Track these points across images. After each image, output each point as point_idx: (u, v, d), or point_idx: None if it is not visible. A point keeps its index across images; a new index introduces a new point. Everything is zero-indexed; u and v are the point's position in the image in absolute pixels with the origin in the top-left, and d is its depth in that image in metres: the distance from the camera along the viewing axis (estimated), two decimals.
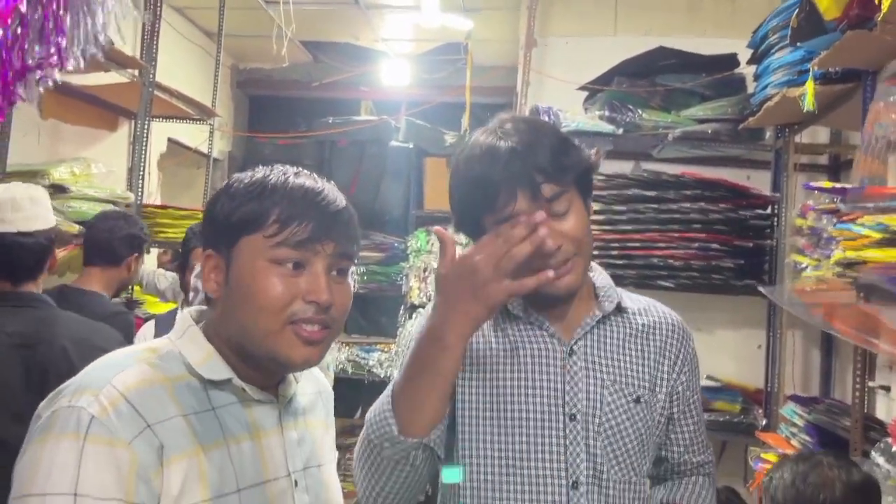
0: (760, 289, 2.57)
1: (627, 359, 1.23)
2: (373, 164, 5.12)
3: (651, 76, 3.24)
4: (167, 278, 3.25)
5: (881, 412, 2.61)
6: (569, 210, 1.15)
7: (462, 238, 1.28)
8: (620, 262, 2.99)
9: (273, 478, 0.97)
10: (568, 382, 1.19)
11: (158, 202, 4.06)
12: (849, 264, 1.87)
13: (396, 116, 5.16)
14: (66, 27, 1.88)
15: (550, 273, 1.05)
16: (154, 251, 3.85)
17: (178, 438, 0.88)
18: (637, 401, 1.20)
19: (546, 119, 3.19)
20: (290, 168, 0.99)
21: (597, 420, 1.18)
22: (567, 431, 1.17)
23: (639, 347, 1.24)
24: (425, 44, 4.84)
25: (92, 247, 2.53)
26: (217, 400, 0.95)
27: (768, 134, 3.21)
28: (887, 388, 2.61)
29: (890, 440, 1.89)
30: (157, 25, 3.35)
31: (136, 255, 2.54)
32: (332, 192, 0.98)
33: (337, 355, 4.77)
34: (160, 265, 3.91)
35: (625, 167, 3.39)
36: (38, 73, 1.85)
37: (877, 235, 1.75)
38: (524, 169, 1.11)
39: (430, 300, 4.39)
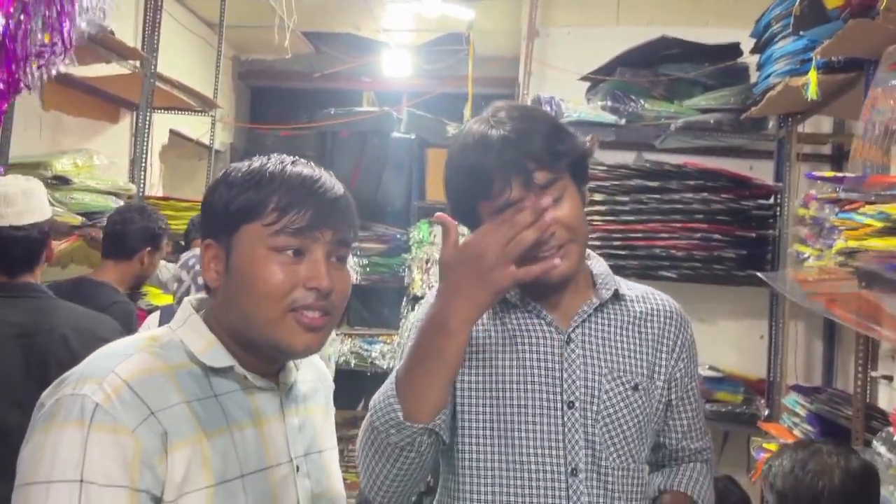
0: (760, 275, 2.57)
1: (625, 346, 1.23)
2: (374, 155, 5.12)
3: (653, 66, 3.23)
4: (169, 269, 3.26)
5: (883, 402, 2.62)
6: (562, 197, 1.15)
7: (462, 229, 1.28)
8: (623, 252, 2.99)
9: (275, 463, 0.98)
10: (566, 370, 1.19)
11: (160, 194, 4.07)
12: (851, 253, 1.87)
13: (398, 107, 5.15)
14: (68, 15, 1.88)
15: (557, 261, 1.05)
16: None
17: (181, 425, 0.88)
18: (635, 388, 1.21)
19: (548, 109, 3.18)
20: (286, 157, 1.00)
21: (595, 408, 1.18)
22: (565, 419, 1.17)
23: (636, 334, 1.24)
24: (427, 34, 4.83)
25: (106, 239, 2.57)
26: (219, 387, 0.95)
27: (771, 123, 3.20)
28: (889, 378, 2.61)
29: (891, 429, 1.89)
30: (158, 16, 3.34)
31: (150, 248, 2.54)
32: (330, 179, 0.99)
33: (339, 347, 4.78)
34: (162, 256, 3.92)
35: (627, 157, 3.38)
36: (41, 62, 1.85)
37: (878, 224, 1.74)
38: (517, 157, 1.12)
39: (430, 288, 4.38)
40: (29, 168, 2.66)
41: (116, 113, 3.70)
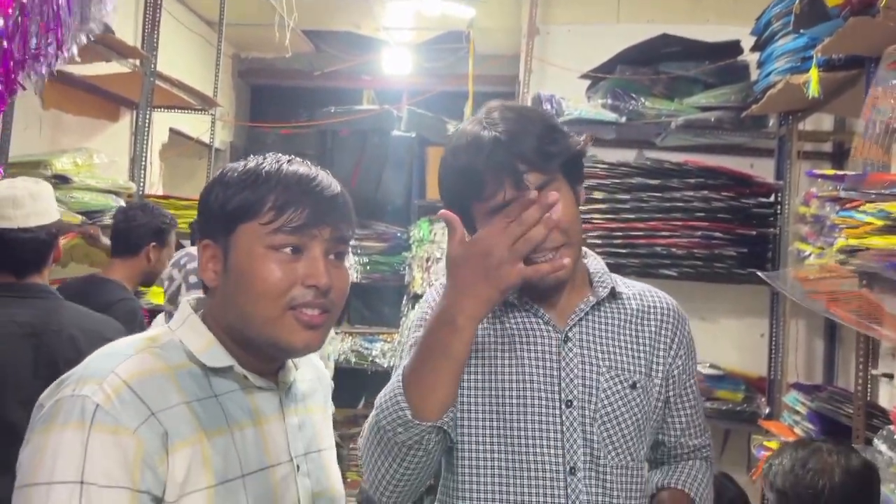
0: (761, 274, 2.57)
1: (623, 344, 1.23)
2: (375, 153, 5.11)
3: (654, 64, 3.23)
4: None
5: (884, 400, 2.62)
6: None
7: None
8: (623, 250, 2.99)
9: (276, 463, 0.98)
10: (563, 369, 1.19)
11: (160, 192, 4.07)
12: (851, 251, 1.87)
13: (398, 106, 5.15)
14: (66, 15, 1.88)
15: (567, 260, 1.05)
16: None
17: (181, 425, 0.88)
18: (633, 386, 1.21)
19: (548, 107, 3.18)
20: (282, 156, 1.00)
21: (593, 406, 1.18)
22: (564, 418, 1.17)
23: (634, 332, 1.24)
24: (427, 32, 4.82)
25: (113, 238, 2.63)
26: (219, 387, 0.95)
27: (771, 121, 3.19)
28: (890, 376, 2.61)
29: (892, 427, 1.89)
30: (158, 15, 3.34)
31: (155, 244, 2.58)
32: (326, 178, 0.99)
33: (339, 345, 4.78)
34: None
35: (628, 156, 3.38)
36: (39, 62, 1.85)
37: (879, 222, 1.74)
38: (507, 158, 1.12)
39: (430, 286, 4.38)
40: (29, 167, 2.66)
41: (116, 111, 3.70)
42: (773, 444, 2.49)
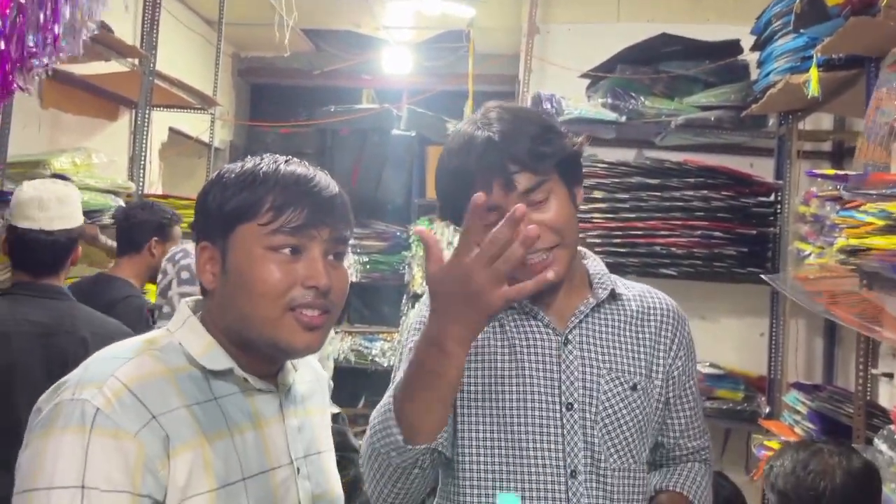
0: (764, 277, 2.57)
1: (623, 346, 1.22)
2: (374, 152, 5.11)
3: (654, 63, 3.23)
4: None
5: (884, 399, 2.62)
6: (548, 199, 1.14)
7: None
8: (623, 250, 2.98)
9: (276, 466, 0.98)
10: (564, 372, 1.18)
11: (160, 192, 4.06)
12: (852, 252, 1.86)
13: (398, 105, 5.14)
14: (63, 15, 1.87)
15: (550, 274, 0.99)
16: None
17: (182, 429, 0.88)
18: (634, 388, 1.20)
19: (548, 107, 3.18)
20: (280, 157, 0.99)
21: (593, 409, 1.18)
22: (564, 421, 1.17)
23: (634, 334, 1.24)
24: (426, 31, 4.82)
25: (117, 238, 2.68)
26: (219, 390, 0.95)
27: (771, 121, 3.19)
28: (890, 376, 2.61)
29: (893, 427, 1.89)
30: (157, 14, 3.33)
31: (157, 239, 2.61)
32: (325, 178, 0.99)
33: (339, 345, 4.78)
34: None
35: (627, 155, 3.38)
36: (36, 62, 1.85)
37: (880, 223, 1.74)
38: (498, 159, 1.11)
39: None
40: (27, 167, 2.66)
41: (115, 111, 3.69)
42: (774, 444, 2.49)
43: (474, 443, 1.18)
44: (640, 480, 1.21)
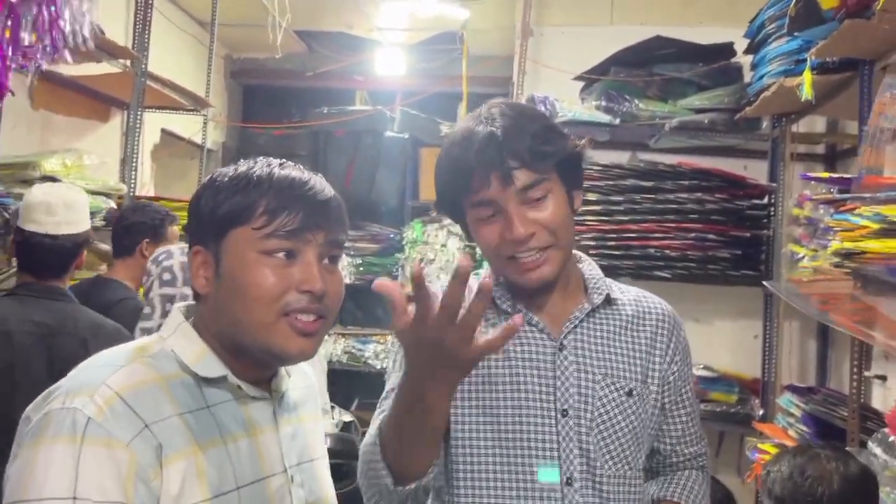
0: (767, 284, 2.56)
1: (618, 351, 1.21)
2: (368, 154, 5.10)
3: (648, 66, 3.23)
4: None
5: (877, 402, 2.62)
6: (546, 198, 1.14)
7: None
8: (617, 252, 2.98)
9: (270, 474, 0.97)
10: (559, 378, 1.17)
11: (152, 193, 4.04)
12: (847, 255, 1.86)
13: (392, 106, 5.13)
14: (57, 17, 1.86)
15: (518, 319, 0.90)
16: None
17: (175, 438, 0.87)
18: (629, 394, 1.19)
19: (542, 109, 3.17)
20: (273, 160, 0.98)
21: (589, 415, 1.17)
22: (559, 428, 1.16)
23: (629, 339, 1.23)
24: (420, 33, 4.81)
25: (112, 240, 2.71)
26: (212, 398, 0.94)
27: (765, 123, 3.20)
28: (883, 378, 2.61)
29: (887, 430, 1.89)
30: (149, 15, 3.31)
31: (148, 240, 2.62)
32: (319, 181, 0.98)
33: (332, 347, 4.76)
34: None
35: (621, 157, 3.38)
36: (27, 63, 1.84)
37: (875, 226, 1.74)
38: (498, 154, 1.11)
39: None
40: (17, 168, 2.63)
41: (107, 112, 3.67)
42: (767, 447, 2.49)
43: (469, 451, 1.16)
44: (637, 488, 1.20)
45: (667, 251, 2.97)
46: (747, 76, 3.06)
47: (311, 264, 0.94)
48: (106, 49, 2.85)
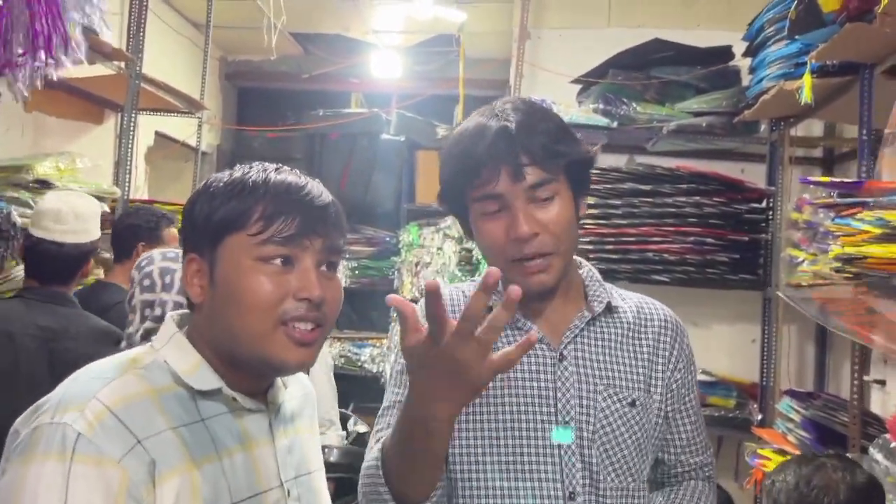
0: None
1: (620, 361, 1.19)
2: (363, 157, 5.09)
3: (646, 69, 3.21)
4: None
5: (876, 406, 2.61)
6: (553, 199, 1.12)
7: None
8: (615, 256, 2.96)
9: (266, 489, 0.94)
10: (559, 389, 1.15)
11: (146, 196, 4.01)
12: (848, 259, 1.85)
13: (387, 109, 5.12)
14: (55, 21, 1.84)
15: (533, 335, 0.86)
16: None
17: (169, 453, 0.84)
18: (632, 404, 1.16)
19: None
20: (269, 165, 0.96)
21: (591, 427, 1.14)
22: (561, 440, 1.13)
23: (631, 347, 1.20)
24: (416, 36, 4.80)
25: (111, 244, 2.74)
26: (206, 410, 0.91)
27: (763, 127, 3.19)
28: (882, 383, 2.60)
29: (888, 436, 1.87)
30: (143, 16, 3.28)
31: (143, 244, 2.62)
32: (317, 186, 0.95)
33: (328, 351, 4.74)
34: None
35: (619, 161, 3.36)
36: (28, 67, 1.83)
37: (877, 230, 1.73)
38: (510, 148, 1.09)
39: (422, 295, 4.37)
40: (10, 171, 2.61)
41: (101, 114, 3.64)
42: (767, 452, 2.47)
43: (468, 466, 1.14)
44: (641, 500, 1.17)
45: (665, 255, 2.95)
46: (745, 79, 3.05)
47: (309, 271, 0.91)
48: (100, 51, 2.82)
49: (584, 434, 1.14)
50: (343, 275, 4.77)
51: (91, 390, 0.84)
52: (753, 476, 2.56)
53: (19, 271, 2.34)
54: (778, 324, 2.97)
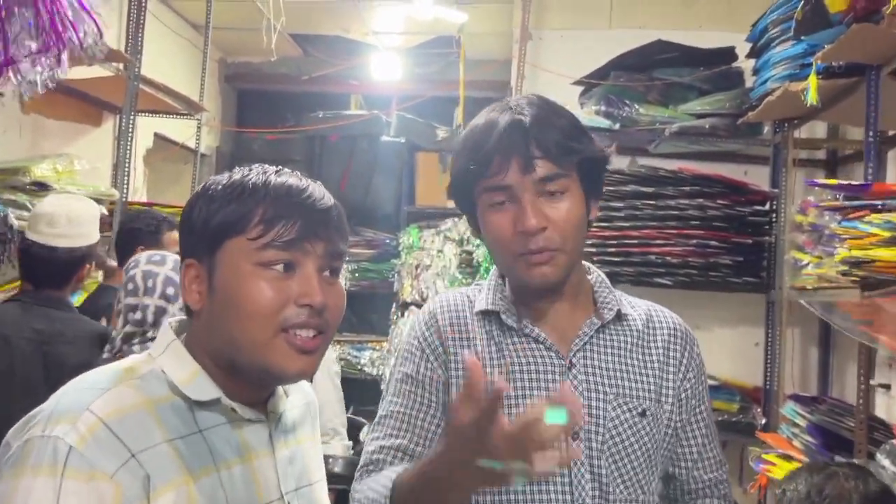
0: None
1: (630, 369, 1.16)
2: (363, 159, 5.07)
3: (648, 70, 3.19)
4: None
5: (881, 411, 2.58)
6: (563, 196, 1.10)
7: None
8: (618, 259, 2.94)
9: (266, 501, 0.92)
10: None
11: (144, 199, 3.99)
12: (855, 263, 1.83)
13: (387, 111, 5.10)
14: (59, 21, 1.82)
15: (502, 385, 0.81)
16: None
17: (164, 467, 0.81)
18: (642, 414, 1.14)
19: None
20: (269, 167, 0.93)
21: (600, 437, 1.11)
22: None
23: (641, 356, 1.17)
24: (416, 37, 4.78)
25: (115, 248, 2.75)
26: (204, 421, 0.88)
27: (766, 129, 3.17)
28: (887, 387, 2.58)
29: (895, 441, 1.85)
30: (142, 18, 3.27)
31: (142, 247, 2.57)
32: (318, 189, 0.93)
33: (333, 356, 4.72)
34: None
35: (621, 163, 3.34)
36: (31, 67, 1.81)
37: (886, 234, 1.71)
38: (523, 139, 1.08)
39: (422, 297, 4.37)
40: (7, 173, 2.59)
41: (99, 116, 3.62)
42: (772, 457, 2.45)
43: None
44: None
45: (668, 258, 2.93)
46: (748, 81, 3.03)
47: (311, 276, 0.89)
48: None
49: (594, 445, 1.11)
50: (343, 278, 4.75)
51: (84, 402, 0.82)
52: (758, 481, 2.53)
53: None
54: (782, 327, 2.95)
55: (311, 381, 1.04)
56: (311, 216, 0.89)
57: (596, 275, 1.23)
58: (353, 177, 5.06)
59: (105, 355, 1.82)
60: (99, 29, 1.86)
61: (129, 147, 3.24)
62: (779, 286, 2.89)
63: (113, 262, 2.77)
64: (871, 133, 2.07)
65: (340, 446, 2.81)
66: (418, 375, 1.16)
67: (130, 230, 2.64)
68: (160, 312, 1.74)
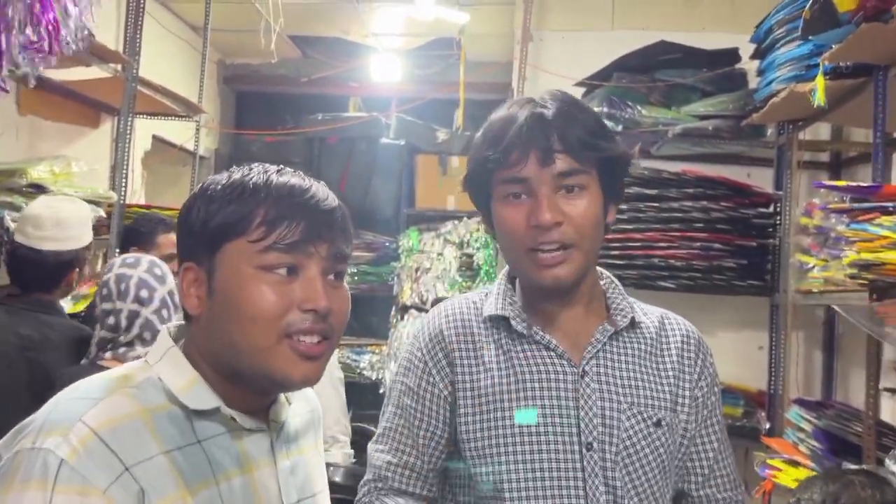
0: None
1: (644, 378, 1.12)
2: (363, 161, 5.04)
3: (651, 71, 3.17)
4: None
5: (886, 415, 2.55)
6: (581, 192, 1.07)
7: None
8: (621, 262, 2.91)
9: None
10: (582, 408, 1.08)
11: (142, 201, 3.96)
12: (864, 266, 1.80)
13: (387, 113, 5.07)
14: (49, 15, 1.80)
15: None
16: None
17: (161, 480, 0.78)
18: (658, 424, 1.10)
19: None
20: (271, 166, 0.90)
21: (614, 448, 1.08)
22: (585, 463, 1.07)
23: (655, 364, 1.14)
24: (416, 39, 4.76)
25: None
26: (203, 431, 0.85)
27: (770, 130, 3.14)
28: (894, 391, 2.55)
29: None
30: (140, 19, 3.24)
31: (135, 248, 2.55)
32: (322, 189, 0.90)
33: (336, 363, 4.68)
34: None
35: None
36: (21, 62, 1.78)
37: (895, 237, 1.68)
38: (544, 132, 1.06)
39: (422, 300, 4.33)
40: (4, 175, 2.55)
41: (97, 118, 3.59)
42: (778, 462, 2.42)
43: (489, 489, 1.08)
44: None
45: (671, 260, 2.90)
46: (752, 82, 3.00)
47: (315, 280, 0.85)
48: (96, 53, 2.77)
49: (608, 456, 1.08)
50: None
51: (76, 412, 0.78)
52: (763, 487, 2.50)
53: None
54: (786, 330, 2.92)
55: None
56: (315, 217, 0.86)
57: (608, 280, 1.20)
58: (352, 179, 5.03)
59: (83, 362, 1.79)
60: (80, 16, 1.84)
61: (127, 149, 3.21)
62: (783, 289, 2.86)
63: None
64: (878, 134, 2.04)
65: (341, 455, 2.74)
66: (419, 390, 1.14)
67: (126, 231, 2.63)
68: (133, 317, 1.72)
